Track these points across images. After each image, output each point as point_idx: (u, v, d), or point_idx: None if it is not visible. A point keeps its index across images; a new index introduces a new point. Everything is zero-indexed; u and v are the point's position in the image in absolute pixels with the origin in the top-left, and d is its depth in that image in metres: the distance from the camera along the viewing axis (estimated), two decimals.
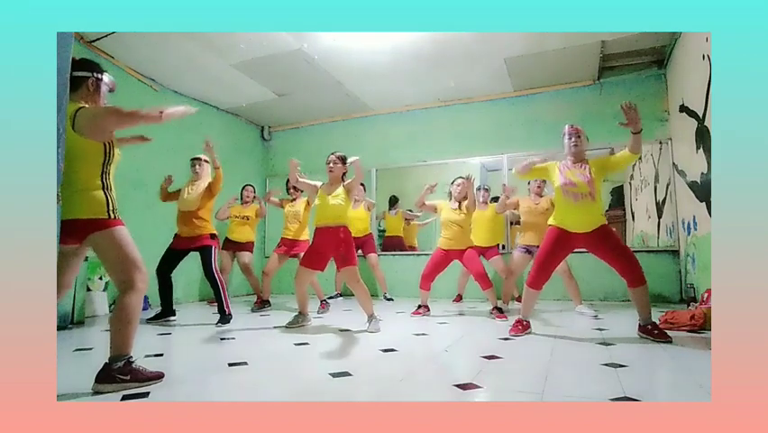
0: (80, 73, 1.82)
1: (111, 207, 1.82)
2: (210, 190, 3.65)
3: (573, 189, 2.72)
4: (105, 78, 1.92)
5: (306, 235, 4.50)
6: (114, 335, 1.78)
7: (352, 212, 4.44)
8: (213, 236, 3.65)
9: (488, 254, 4.43)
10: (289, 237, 4.47)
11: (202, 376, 2.03)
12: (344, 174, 3.38)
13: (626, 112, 2.50)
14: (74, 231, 1.76)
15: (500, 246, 4.77)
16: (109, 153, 1.83)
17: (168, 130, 4.33)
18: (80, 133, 1.74)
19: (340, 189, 3.26)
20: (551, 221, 2.86)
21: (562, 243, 2.76)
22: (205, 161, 3.78)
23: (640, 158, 5.72)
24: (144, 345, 2.64)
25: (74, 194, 1.74)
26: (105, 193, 1.81)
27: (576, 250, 2.93)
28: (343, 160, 3.36)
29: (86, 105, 1.83)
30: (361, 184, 5.28)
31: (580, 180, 2.72)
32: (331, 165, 3.31)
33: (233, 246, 4.73)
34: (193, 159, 3.78)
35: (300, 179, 3.37)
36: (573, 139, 2.82)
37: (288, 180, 4.67)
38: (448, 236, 3.87)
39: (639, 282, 2.64)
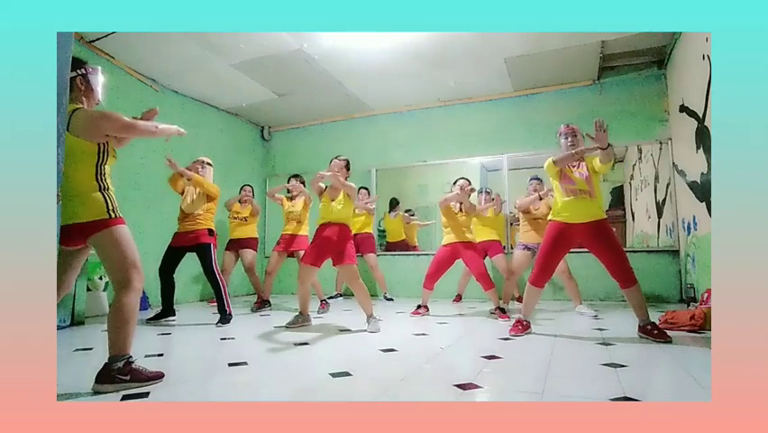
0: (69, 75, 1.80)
1: (110, 207, 1.82)
2: (209, 195, 3.68)
3: (572, 187, 2.75)
4: (91, 70, 1.90)
5: (305, 231, 4.51)
6: (112, 335, 1.78)
7: (355, 217, 4.46)
8: (211, 232, 3.65)
9: (491, 251, 4.43)
10: (288, 233, 4.48)
11: (202, 376, 2.03)
12: (347, 178, 3.38)
13: (597, 129, 2.48)
14: (77, 234, 1.77)
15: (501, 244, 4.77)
16: (104, 153, 1.83)
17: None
18: (75, 133, 1.73)
19: (341, 195, 3.30)
20: (550, 216, 2.87)
21: (562, 236, 2.77)
22: (208, 164, 3.78)
23: (640, 158, 5.74)
24: (144, 345, 2.64)
25: (72, 198, 1.74)
26: (102, 194, 1.81)
27: (576, 250, 2.93)
28: (347, 164, 3.37)
29: (83, 107, 1.82)
30: (365, 188, 5.30)
31: (578, 178, 2.75)
32: (336, 170, 3.31)
33: (236, 245, 4.74)
34: (194, 162, 3.79)
35: (316, 185, 3.36)
36: (570, 138, 2.82)
37: (289, 179, 4.66)
38: (449, 232, 3.89)
39: (630, 283, 2.66)
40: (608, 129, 2.52)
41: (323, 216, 3.31)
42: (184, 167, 3.64)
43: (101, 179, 1.83)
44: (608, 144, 2.54)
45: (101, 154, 1.82)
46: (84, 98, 1.88)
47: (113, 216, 1.81)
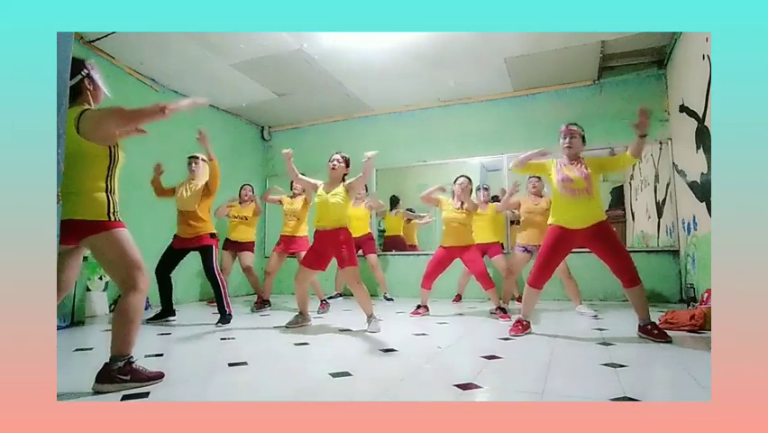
0: (74, 80, 1.77)
1: (111, 210, 1.81)
2: (208, 188, 3.62)
3: (570, 185, 2.73)
4: (92, 67, 1.87)
5: (304, 232, 4.50)
6: (115, 335, 1.78)
7: (352, 211, 4.42)
8: (212, 235, 3.64)
9: (490, 252, 4.44)
10: (287, 234, 4.46)
11: (202, 376, 2.03)
12: (345, 175, 3.37)
13: (641, 114, 2.54)
14: (72, 231, 1.75)
15: (501, 245, 4.77)
16: (115, 157, 1.82)
17: (166, 130, 4.34)
18: (86, 137, 1.72)
19: (340, 189, 3.26)
20: (550, 220, 2.86)
21: (562, 241, 2.76)
22: (203, 160, 3.74)
23: (640, 159, 5.73)
24: (144, 345, 2.64)
25: (76, 195, 1.73)
26: (107, 196, 1.80)
27: (576, 250, 2.92)
28: (347, 162, 3.36)
29: (90, 108, 1.81)
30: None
31: (576, 176, 2.73)
32: (335, 164, 3.30)
33: (233, 247, 4.74)
34: (190, 157, 3.76)
35: (300, 176, 3.35)
36: (567, 139, 2.82)
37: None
38: (449, 234, 3.88)
39: (634, 283, 2.66)
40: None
41: (320, 217, 3.25)
42: (180, 166, 3.64)
43: (109, 182, 1.82)
44: (646, 134, 2.58)
45: (112, 158, 1.81)
46: (91, 98, 1.86)
47: (112, 218, 1.80)
